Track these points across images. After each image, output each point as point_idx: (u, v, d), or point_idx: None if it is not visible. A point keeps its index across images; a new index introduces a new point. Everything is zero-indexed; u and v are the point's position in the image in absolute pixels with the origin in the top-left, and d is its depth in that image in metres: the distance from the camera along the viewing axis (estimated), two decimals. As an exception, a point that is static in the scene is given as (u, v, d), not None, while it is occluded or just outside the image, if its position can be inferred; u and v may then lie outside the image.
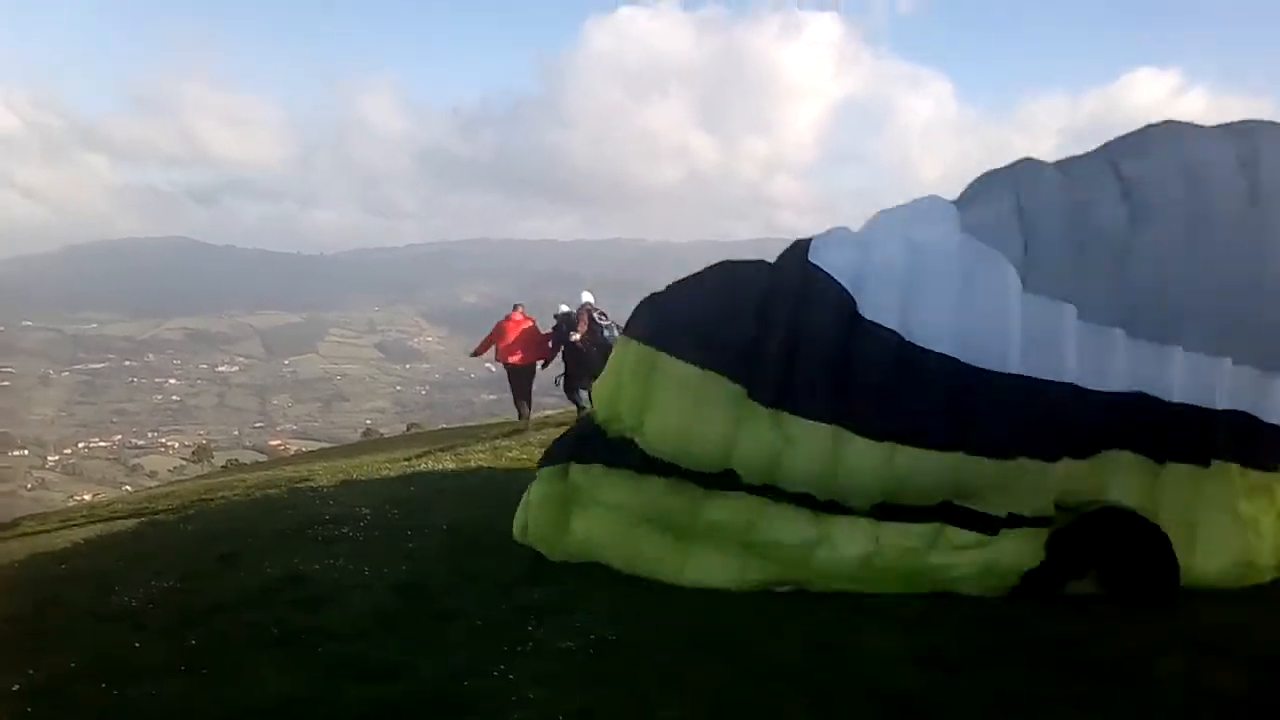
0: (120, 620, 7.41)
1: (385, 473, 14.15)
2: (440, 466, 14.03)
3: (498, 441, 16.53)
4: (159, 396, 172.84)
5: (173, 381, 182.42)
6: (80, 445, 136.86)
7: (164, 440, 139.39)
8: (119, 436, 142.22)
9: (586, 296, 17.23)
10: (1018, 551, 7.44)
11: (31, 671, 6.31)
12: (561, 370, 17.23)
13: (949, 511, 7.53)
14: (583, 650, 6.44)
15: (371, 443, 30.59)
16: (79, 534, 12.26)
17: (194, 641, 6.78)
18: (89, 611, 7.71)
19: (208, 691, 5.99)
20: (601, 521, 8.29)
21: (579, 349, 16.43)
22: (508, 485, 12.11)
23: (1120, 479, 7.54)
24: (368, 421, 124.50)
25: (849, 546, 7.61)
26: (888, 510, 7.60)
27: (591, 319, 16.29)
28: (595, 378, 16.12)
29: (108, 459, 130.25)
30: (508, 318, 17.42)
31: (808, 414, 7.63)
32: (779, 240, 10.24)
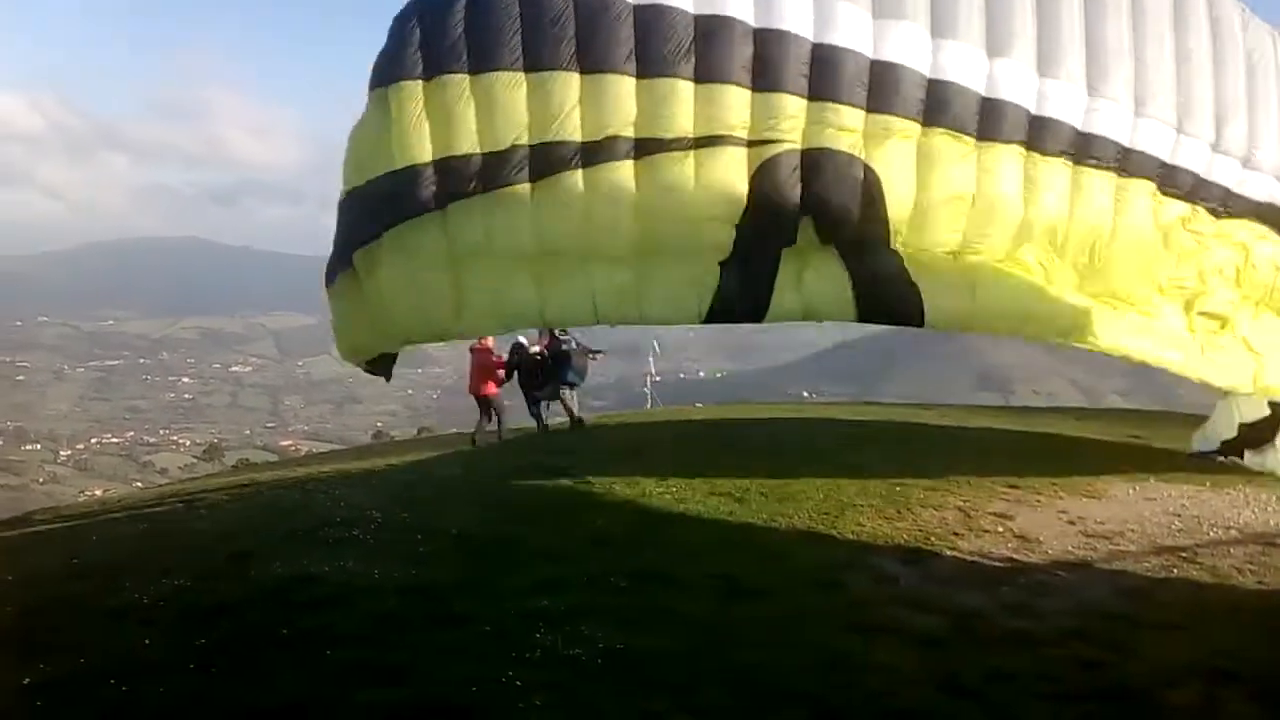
0: (131, 617, 7.43)
1: (396, 476, 14.17)
2: (452, 471, 14.04)
3: (507, 447, 16.52)
4: (172, 394, 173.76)
5: (186, 380, 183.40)
6: (93, 441, 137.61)
7: (175, 438, 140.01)
8: (131, 433, 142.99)
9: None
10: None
11: (43, 667, 6.33)
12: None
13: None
14: (591, 660, 6.41)
15: (383, 445, 30.60)
16: (90, 530, 12.32)
17: (204, 640, 6.79)
18: (100, 608, 7.73)
19: (217, 690, 6.01)
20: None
21: (542, 360, 16.89)
22: (517, 492, 12.14)
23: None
24: (379, 424, 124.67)
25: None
26: None
27: (553, 334, 16.66)
28: (568, 385, 17.04)
29: (119, 455, 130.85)
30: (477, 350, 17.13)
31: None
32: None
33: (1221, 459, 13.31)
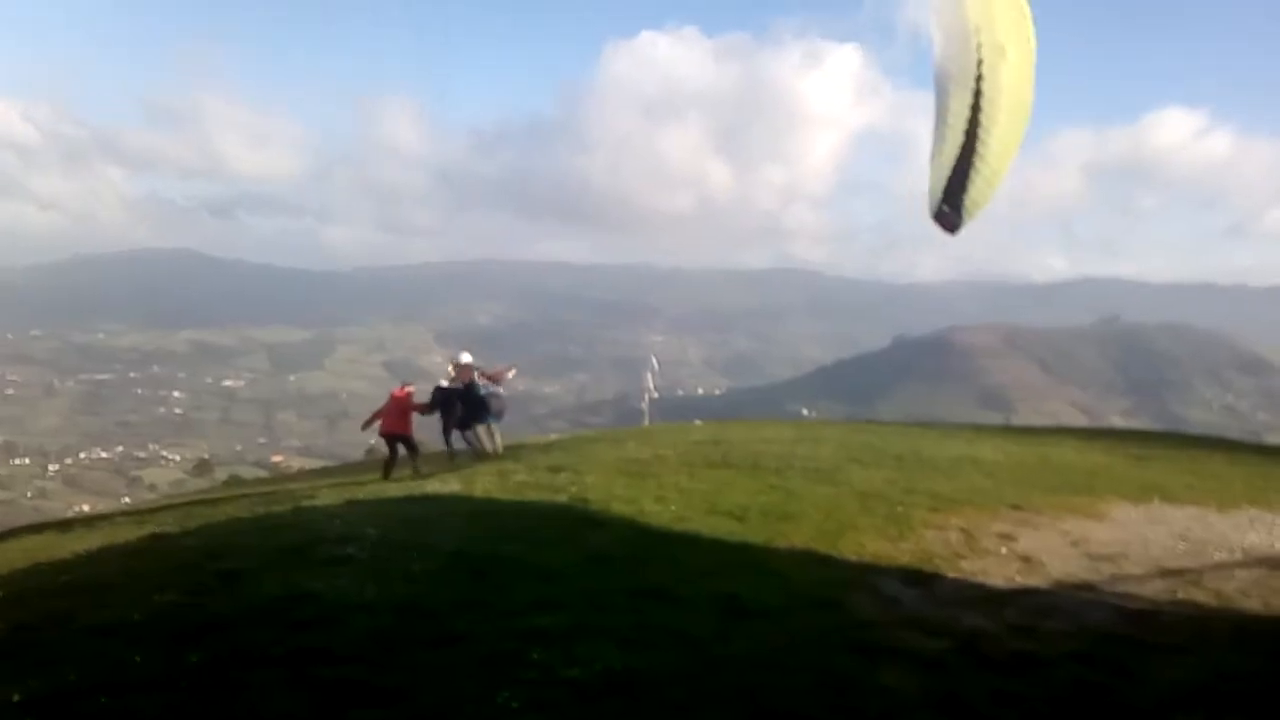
0: (121, 634, 7.30)
1: (391, 493, 14.06)
2: (446, 488, 13.93)
3: (504, 464, 16.44)
4: (162, 409, 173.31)
5: (177, 394, 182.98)
6: (82, 455, 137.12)
7: (165, 453, 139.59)
8: (121, 448, 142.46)
9: (466, 358, 18.92)
10: None
11: (32, 683, 6.21)
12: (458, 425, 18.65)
13: None
14: (589, 680, 6.29)
15: (376, 461, 30.44)
16: (79, 544, 12.18)
17: (195, 658, 6.66)
18: (89, 624, 7.60)
19: (207, 708, 5.88)
20: None
21: (466, 395, 18.30)
22: (515, 510, 12.03)
23: None
24: (372, 440, 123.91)
25: None
26: None
27: (473, 378, 18.24)
28: (486, 422, 18.21)
29: (108, 470, 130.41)
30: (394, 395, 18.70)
31: None
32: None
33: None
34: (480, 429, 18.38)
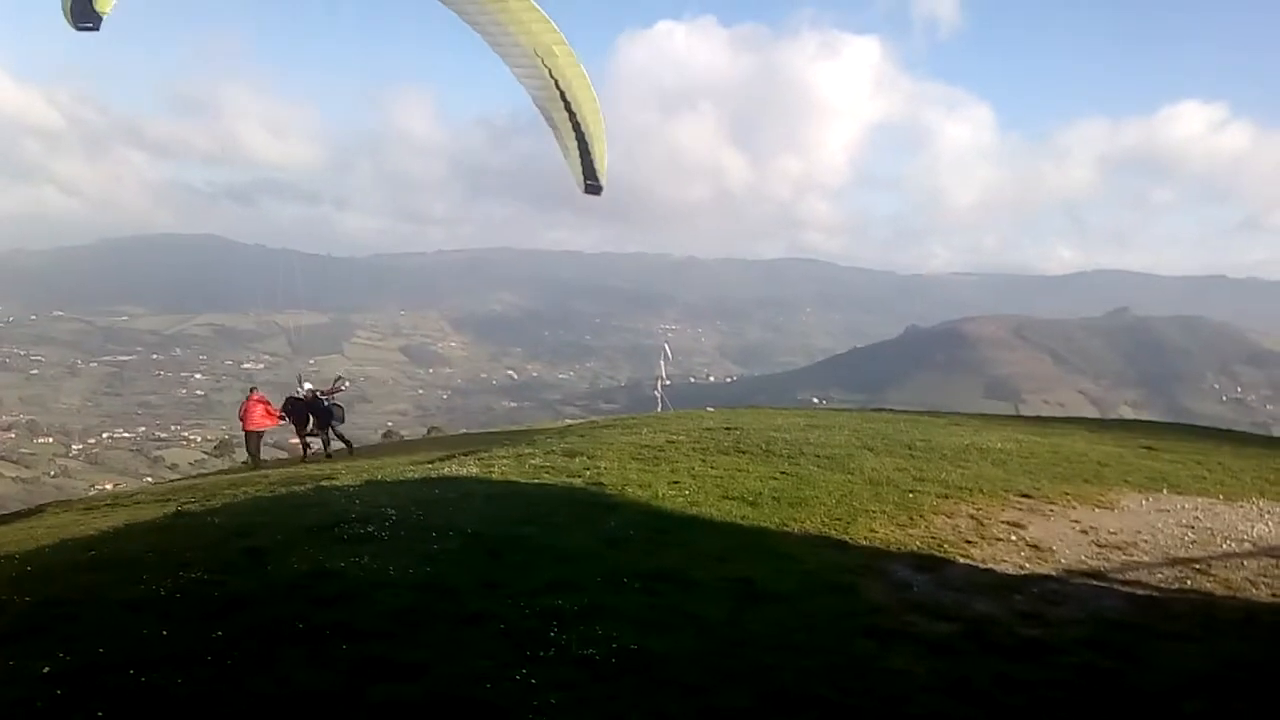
0: (148, 610, 7.47)
1: (409, 474, 14.21)
2: (464, 471, 14.09)
3: (521, 448, 16.59)
4: (183, 390, 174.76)
5: (198, 376, 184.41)
6: (104, 435, 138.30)
7: (186, 434, 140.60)
8: (142, 428, 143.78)
9: (308, 386, 23.24)
10: None
11: (63, 656, 6.39)
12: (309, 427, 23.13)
13: None
14: (605, 659, 6.44)
15: (393, 444, 30.74)
16: (105, 522, 12.39)
17: (221, 633, 6.83)
18: (118, 600, 7.78)
19: (233, 683, 6.05)
20: None
21: (314, 407, 22.80)
22: (532, 492, 12.18)
23: None
24: (389, 423, 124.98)
25: None
26: None
27: (316, 396, 22.87)
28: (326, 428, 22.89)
29: (130, 450, 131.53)
30: (249, 398, 23.14)
31: None
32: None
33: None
34: (332, 431, 23.27)
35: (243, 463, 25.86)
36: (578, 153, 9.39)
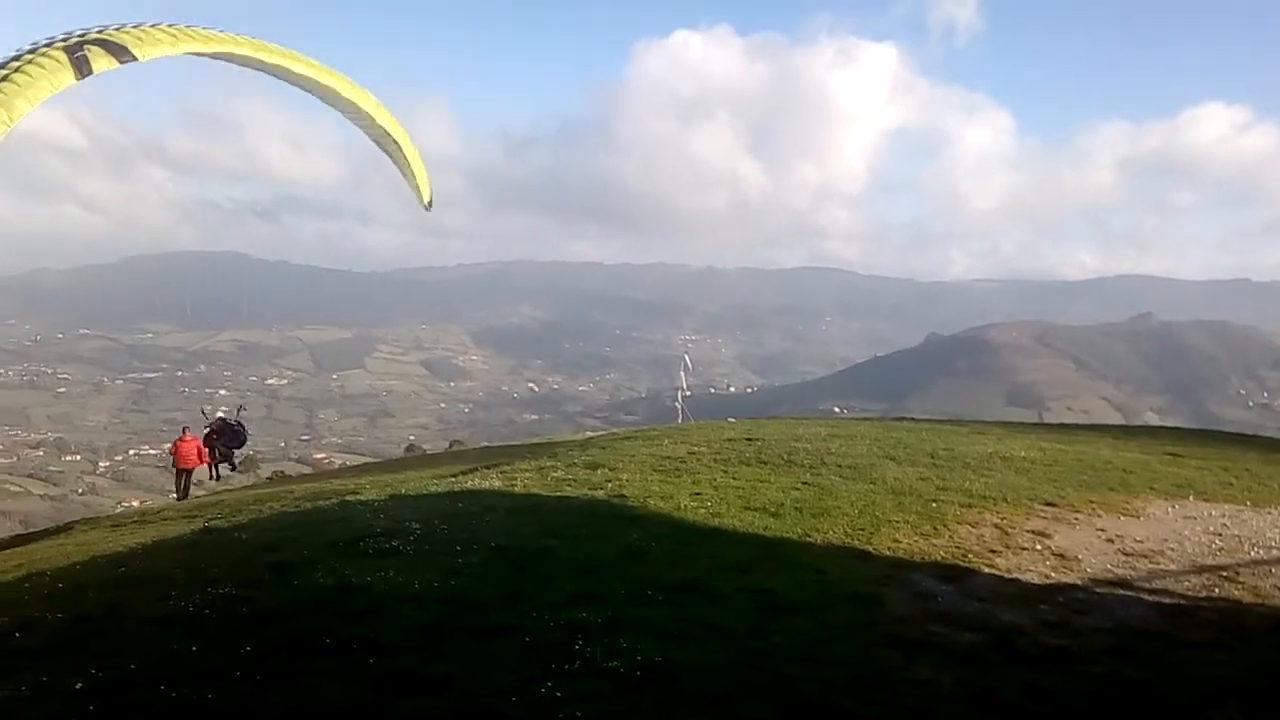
0: (178, 625, 7.57)
1: (433, 488, 14.30)
2: (487, 484, 14.15)
3: (543, 462, 16.66)
4: (209, 407, 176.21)
5: (223, 392, 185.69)
6: (130, 452, 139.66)
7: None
8: (168, 445, 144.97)
9: (222, 412, 26.68)
10: None
11: (94, 672, 6.49)
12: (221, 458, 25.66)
13: None
14: (629, 672, 6.46)
15: (416, 458, 30.89)
16: (133, 539, 12.55)
17: (249, 648, 6.92)
18: (148, 616, 7.89)
19: (262, 697, 6.12)
20: None
21: (223, 429, 25.55)
22: (554, 506, 12.22)
23: None
24: (411, 437, 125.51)
25: None
26: None
27: (225, 422, 25.81)
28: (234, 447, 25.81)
29: (157, 466, 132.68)
30: (181, 439, 25.80)
31: None
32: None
33: None
34: (238, 454, 26.42)
35: (172, 496, 28.72)
36: (412, 179, 10.05)
